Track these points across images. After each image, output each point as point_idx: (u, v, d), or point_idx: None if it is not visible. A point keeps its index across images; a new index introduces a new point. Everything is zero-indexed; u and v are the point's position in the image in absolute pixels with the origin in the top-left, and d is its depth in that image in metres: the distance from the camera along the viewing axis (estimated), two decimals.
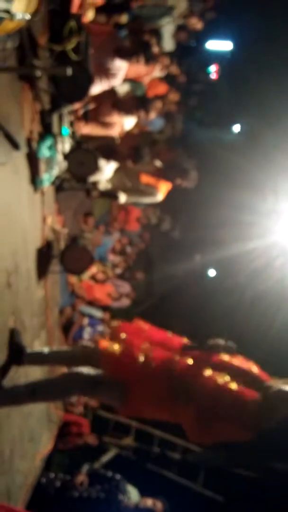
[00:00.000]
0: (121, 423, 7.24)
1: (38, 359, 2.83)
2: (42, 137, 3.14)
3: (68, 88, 3.09)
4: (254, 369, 2.38)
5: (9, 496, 2.91)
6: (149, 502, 3.32)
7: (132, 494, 3.54)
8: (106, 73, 3.81)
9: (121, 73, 3.96)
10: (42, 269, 3.49)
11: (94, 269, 6.30)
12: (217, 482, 7.52)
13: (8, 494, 2.89)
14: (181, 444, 7.61)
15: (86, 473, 3.67)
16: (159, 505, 3.30)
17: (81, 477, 3.60)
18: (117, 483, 3.50)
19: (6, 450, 2.79)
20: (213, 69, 8.43)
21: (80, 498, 3.38)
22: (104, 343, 2.53)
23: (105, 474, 3.67)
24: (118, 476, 3.61)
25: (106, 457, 6.53)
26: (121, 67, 3.97)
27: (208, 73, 8.05)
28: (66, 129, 3.59)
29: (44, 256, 3.53)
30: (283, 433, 2.24)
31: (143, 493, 3.65)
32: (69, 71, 2.77)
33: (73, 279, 5.97)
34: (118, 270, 7.30)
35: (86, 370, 2.52)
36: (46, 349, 2.86)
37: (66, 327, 5.29)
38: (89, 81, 3.22)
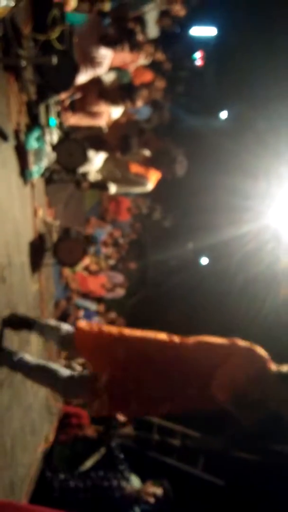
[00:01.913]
0: None
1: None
2: (29, 128, 3.11)
3: (54, 77, 3.06)
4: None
5: (13, 489, 2.93)
6: (150, 488, 3.35)
7: (135, 482, 3.57)
8: (91, 61, 3.76)
9: (106, 61, 3.92)
10: (35, 262, 3.48)
11: (87, 261, 6.29)
12: (217, 466, 7.62)
13: (11, 486, 2.91)
14: (180, 430, 7.68)
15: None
16: (159, 491, 3.33)
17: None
18: (122, 471, 3.52)
19: (7, 443, 2.80)
20: (198, 56, 8.38)
21: (84, 487, 3.40)
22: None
23: (116, 457, 3.72)
24: (122, 466, 3.63)
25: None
26: (106, 55, 3.93)
27: (193, 60, 8.00)
28: (53, 120, 3.55)
29: (37, 249, 3.51)
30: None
31: (144, 480, 3.69)
32: (54, 61, 2.74)
33: (66, 271, 5.95)
34: (111, 261, 7.30)
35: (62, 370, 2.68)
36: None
37: (61, 319, 5.28)
38: (75, 70, 3.19)
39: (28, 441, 3.26)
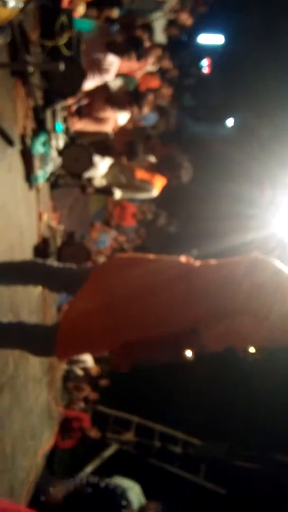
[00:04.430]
0: (121, 418, 7.27)
1: None
2: (36, 133, 3.13)
3: (61, 83, 3.09)
4: None
5: (12, 492, 2.93)
6: None
7: (134, 498, 3.47)
8: (99, 68, 3.80)
9: (113, 68, 3.95)
10: None
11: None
12: (218, 474, 7.57)
13: (11, 490, 2.90)
14: (182, 437, 7.65)
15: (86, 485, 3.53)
16: None
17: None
18: (121, 493, 3.40)
19: (8, 447, 2.80)
20: (205, 63, 8.42)
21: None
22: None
23: (107, 487, 3.54)
24: (119, 490, 3.50)
25: (107, 453, 6.55)
26: (113, 62, 3.96)
27: (200, 67, 8.04)
28: (59, 125, 3.58)
29: (41, 253, 3.52)
30: None
31: (145, 488, 3.66)
32: (61, 67, 2.76)
33: None
34: None
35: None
36: None
37: None
38: (82, 77, 3.21)
39: (29, 445, 3.26)
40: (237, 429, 7.86)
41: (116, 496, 3.25)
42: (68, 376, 4.76)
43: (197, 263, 2.01)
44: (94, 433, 4.41)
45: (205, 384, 7.71)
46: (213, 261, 2.01)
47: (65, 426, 4.25)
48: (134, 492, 3.48)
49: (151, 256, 2.06)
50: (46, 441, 3.73)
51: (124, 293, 1.92)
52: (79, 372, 4.95)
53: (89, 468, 5.20)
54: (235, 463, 7.81)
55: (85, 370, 5.01)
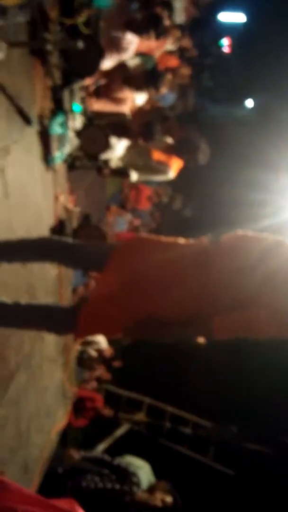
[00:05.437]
0: (133, 399, 7.37)
1: None
2: (53, 113, 3.10)
3: (79, 62, 3.03)
4: None
5: (26, 468, 3.00)
6: (159, 494, 3.31)
7: (144, 476, 3.52)
8: (117, 46, 3.72)
9: (132, 46, 3.87)
10: None
11: None
12: (227, 456, 7.66)
13: (25, 466, 2.97)
14: (192, 419, 7.73)
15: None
16: (168, 498, 3.29)
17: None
18: (131, 474, 3.46)
19: (23, 424, 2.86)
20: (225, 42, 8.20)
21: (95, 487, 3.35)
22: None
23: (119, 465, 3.61)
24: (131, 468, 3.55)
25: (119, 432, 6.66)
26: (132, 40, 3.88)
27: (220, 46, 7.85)
28: (77, 106, 3.54)
29: (57, 235, 3.53)
30: None
31: (155, 467, 3.72)
32: (80, 45, 2.71)
33: None
34: None
35: None
36: None
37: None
38: (100, 55, 3.15)
39: (43, 423, 3.32)
40: (248, 412, 7.92)
41: (127, 474, 3.33)
42: (82, 357, 4.82)
43: (214, 246, 1.97)
44: (107, 412, 4.49)
45: (217, 366, 7.76)
46: (228, 244, 1.95)
47: (79, 405, 4.32)
48: (144, 471, 3.54)
49: (171, 239, 2.05)
50: (60, 419, 3.80)
51: (145, 275, 1.92)
52: (93, 353, 5.01)
53: (101, 447, 5.31)
54: (244, 446, 7.89)
55: (99, 351, 5.07)
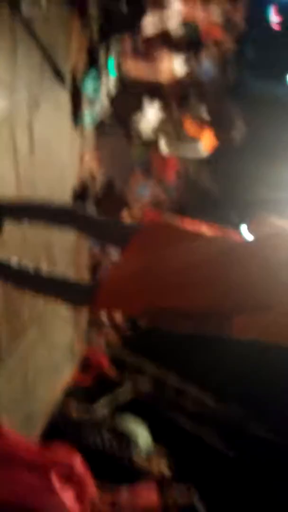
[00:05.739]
0: (139, 367, 7.42)
1: None
2: (87, 71, 3.04)
3: (120, 17, 2.94)
4: None
5: (28, 422, 3.07)
6: (155, 463, 3.37)
7: (143, 442, 3.59)
8: (160, 6, 3.60)
9: (175, 10, 3.75)
10: None
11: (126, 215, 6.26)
12: (230, 437, 7.70)
13: (27, 419, 3.05)
14: (198, 395, 7.77)
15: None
16: (164, 467, 3.35)
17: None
18: (132, 443, 3.53)
19: (29, 377, 2.92)
20: (276, 20, 7.86)
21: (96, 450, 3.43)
22: None
23: (122, 433, 3.67)
24: (133, 435, 3.62)
25: (123, 393, 6.71)
26: (176, 4, 3.75)
27: (269, 22, 7.53)
28: (112, 69, 3.46)
29: (79, 196, 3.52)
30: None
31: (155, 437, 3.77)
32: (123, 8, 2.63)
33: None
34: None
35: None
36: None
37: (94, 268, 5.36)
38: (142, 12, 3.05)
39: (50, 378, 3.39)
40: (257, 397, 7.90)
41: (128, 442, 3.43)
42: (93, 320, 4.89)
43: (239, 240, 1.91)
44: (112, 373, 4.60)
45: (231, 346, 7.71)
46: (262, 243, 1.85)
47: (85, 365, 4.40)
48: (144, 439, 3.62)
49: (198, 228, 2.01)
50: (67, 376, 3.86)
51: (166, 264, 1.89)
52: (104, 318, 5.06)
53: (104, 410, 5.40)
54: (249, 430, 7.91)
55: (110, 316, 5.12)
